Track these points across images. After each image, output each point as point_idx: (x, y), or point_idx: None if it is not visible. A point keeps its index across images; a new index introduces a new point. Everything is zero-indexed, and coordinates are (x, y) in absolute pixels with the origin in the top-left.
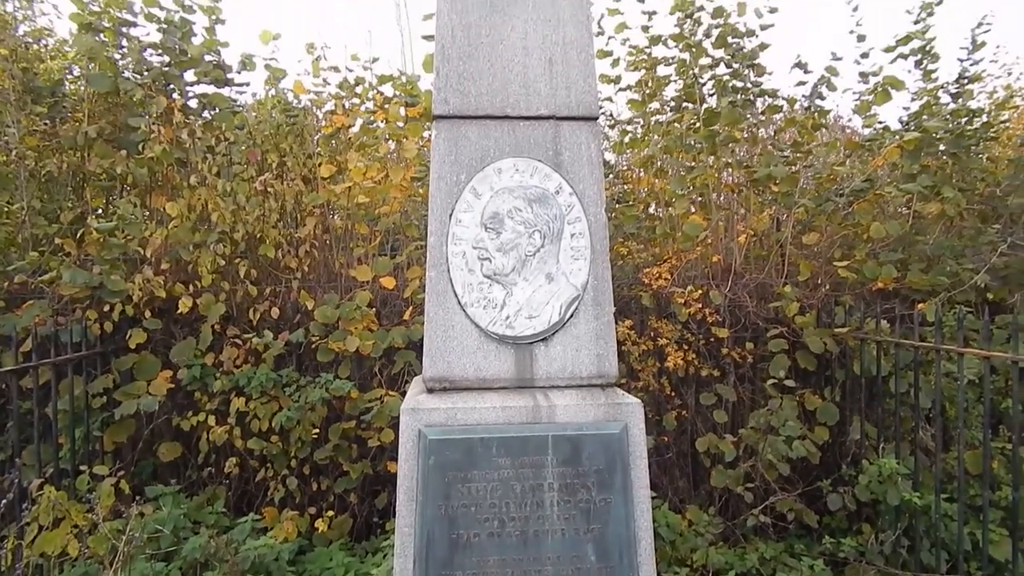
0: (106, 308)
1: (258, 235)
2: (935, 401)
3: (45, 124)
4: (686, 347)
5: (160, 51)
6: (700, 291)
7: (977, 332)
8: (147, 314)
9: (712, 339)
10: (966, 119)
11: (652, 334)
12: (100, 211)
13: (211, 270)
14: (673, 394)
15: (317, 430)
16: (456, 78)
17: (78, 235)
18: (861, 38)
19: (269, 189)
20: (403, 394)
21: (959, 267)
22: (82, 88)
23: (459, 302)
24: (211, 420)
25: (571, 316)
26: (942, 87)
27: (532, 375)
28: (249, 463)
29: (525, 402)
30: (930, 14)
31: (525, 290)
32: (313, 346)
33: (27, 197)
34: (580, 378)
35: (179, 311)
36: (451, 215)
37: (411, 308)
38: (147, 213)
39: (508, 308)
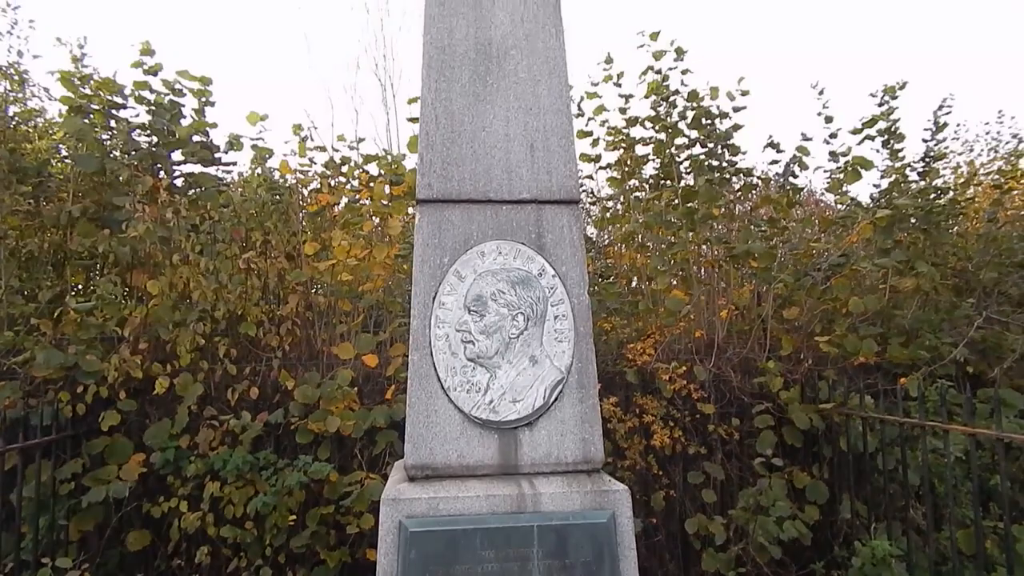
0: (79, 389)
1: (239, 312)
2: (923, 478)
3: (29, 203)
4: (672, 424)
5: (148, 132)
6: (684, 367)
7: (960, 407)
8: (122, 395)
9: (698, 415)
10: (934, 196)
11: (637, 411)
12: (79, 288)
13: (190, 349)
14: (660, 473)
15: (294, 516)
16: (440, 163)
17: (56, 314)
18: (829, 119)
19: (252, 266)
20: (384, 477)
21: (938, 341)
22: (69, 167)
23: (442, 386)
24: (183, 506)
25: (555, 400)
26: (909, 165)
27: (516, 461)
28: (221, 552)
29: (509, 490)
30: (893, 97)
31: (509, 373)
32: (292, 427)
33: (5, 276)
34: (565, 464)
35: (155, 392)
36: (434, 298)
37: (393, 387)
38: (127, 291)
39: (492, 392)
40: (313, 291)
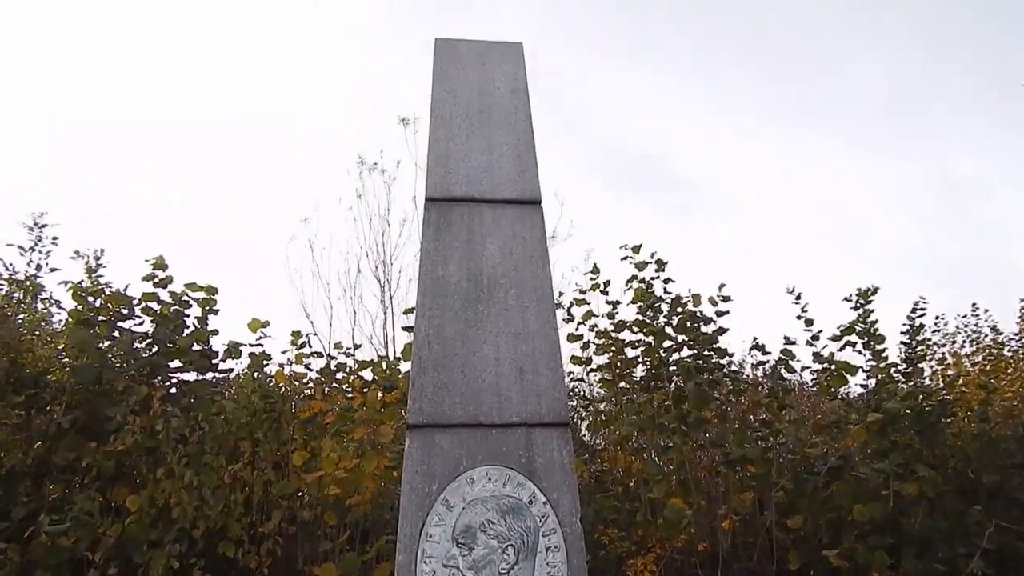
0: None
1: (219, 528)
2: None
3: (19, 415)
4: None
5: (150, 341)
6: None
7: None
8: None
9: None
10: (923, 398)
11: None
12: (55, 501)
13: (162, 573)
14: None
15: None
16: (431, 388)
17: (27, 533)
18: (809, 322)
19: (237, 479)
20: None
21: (951, 552)
22: (66, 376)
23: None
24: None
25: None
26: (893, 365)
27: None
28: None
29: None
30: (868, 301)
31: None
32: None
33: None
34: None
35: None
36: (422, 530)
37: None
38: (104, 504)
39: None
40: (298, 503)
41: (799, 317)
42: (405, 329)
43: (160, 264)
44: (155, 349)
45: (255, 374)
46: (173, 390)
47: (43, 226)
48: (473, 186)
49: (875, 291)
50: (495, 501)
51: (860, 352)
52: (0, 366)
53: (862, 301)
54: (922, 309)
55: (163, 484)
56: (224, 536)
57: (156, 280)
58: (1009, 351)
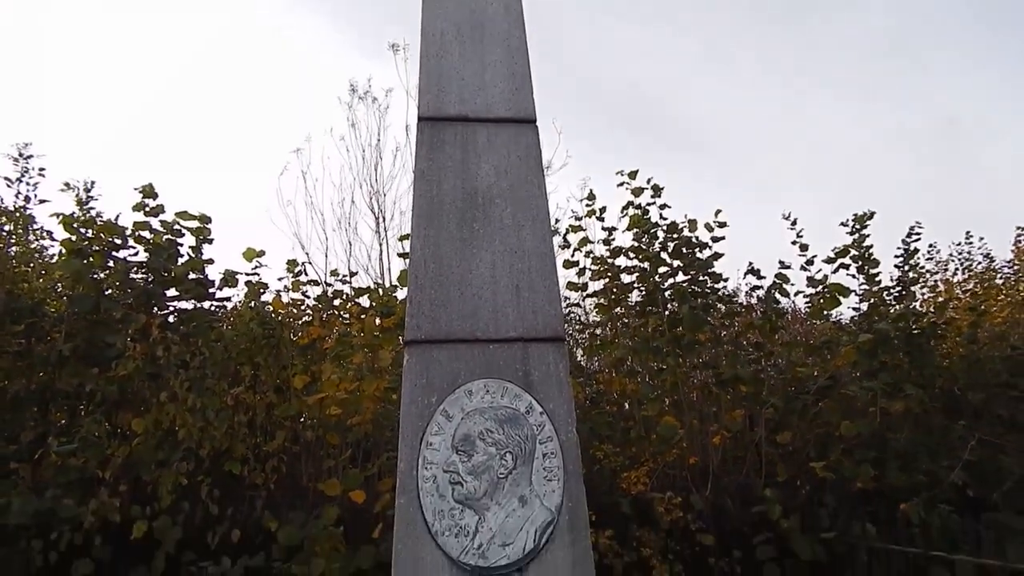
0: (54, 536)
1: (224, 448)
2: None
3: (20, 343)
4: (672, 557)
5: (145, 270)
6: (680, 497)
7: (967, 533)
8: (97, 540)
9: (698, 547)
10: (913, 320)
11: (635, 544)
12: (63, 425)
13: (171, 490)
14: None
15: None
16: (428, 305)
17: (36, 456)
18: (804, 247)
19: (240, 400)
20: None
21: (935, 465)
22: (63, 306)
23: (429, 531)
24: None
25: (546, 542)
26: (886, 289)
27: None
28: None
29: None
30: (864, 226)
31: (498, 515)
32: (274, 572)
33: None
34: None
35: (133, 537)
36: (422, 439)
37: (381, 525)
38: (111, 430)
39: (480, 536)
40: (301, 425)
41: (794, 242)
42: (401, 256)
43: (149, 192)
44: (151, 278)
45: (252, 303)
46: (171, 319)
47: (28, 157)
48: (466, 104)
49: (871, 215)
50: (493, 412)
51: (854, 276)
52: None
53: (858, 226)
54: (917, 234)
55: (167, 407)
56: (230, 456)
57: (147, 209)
58: (1001, 278)
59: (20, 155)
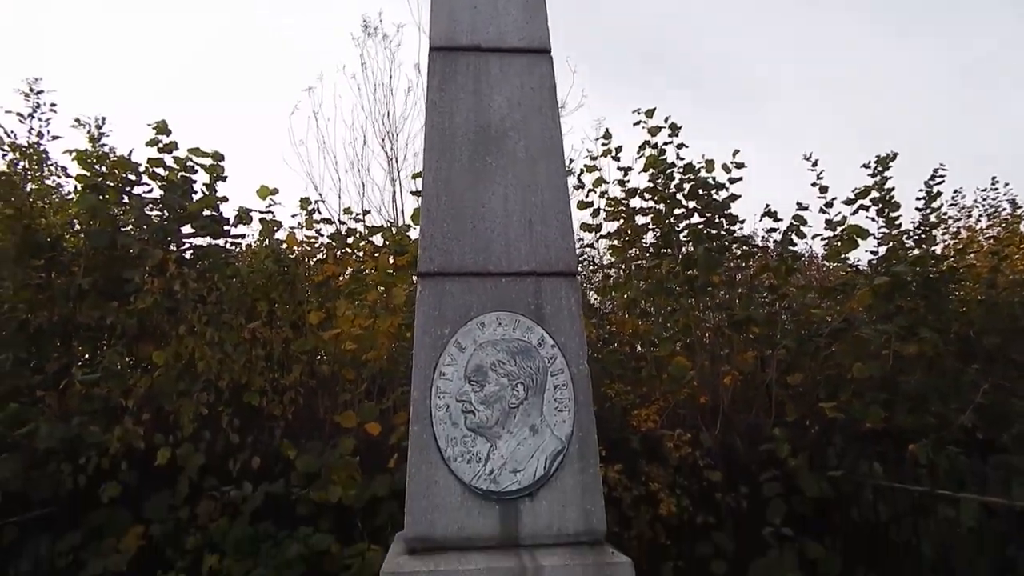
0: (81, 460)
1: (243, 381)
2: (937, 549)
3: (40, 277)
4: (679, 492)
5: (160, 207)
6: (690, 434)
7: (974, 473)
8: (123, 466)
9: (705, 483)
10: (932, 263)
11: (643, 478)
12: (86, 359)
13: (193, 419)
14: (668, 543)
15: None
16: (440, 238)
17: (61, 385)
18: (823, 189)
19: (257, 336)
20: (386, 548)
21: (945, 407)
22: (81, 242)
23: (442, 456)
24: None
25: (556, 469)
26: (906, 233)
27: (517, 533)
28: None
29: (510, 563)
30: (886, 167)
31: (509, 443)
32: (293, 497)
33: (13, 349)
34: (567, 535)
35: (156, 463)
36: (435, 368)
37: (396, 456)
38: (133, 362)
39: (492, 462)
40: (317, 360)
41: (814, 184)
42: (414, 194)
43: (163, 129)
44: (166, 215)
45: (266, 241)
46: (187, 255)
47: (39, 92)
48: (479, 34)
49: (894, 157)
50: (505, 344)
51: (873, 219)
52: (15, 231)
53: (880, 168)
54: (941, 177)
55: (186, 340)
56: (248, 388)
57: (160, 145)
58: None
59: (31, 90)
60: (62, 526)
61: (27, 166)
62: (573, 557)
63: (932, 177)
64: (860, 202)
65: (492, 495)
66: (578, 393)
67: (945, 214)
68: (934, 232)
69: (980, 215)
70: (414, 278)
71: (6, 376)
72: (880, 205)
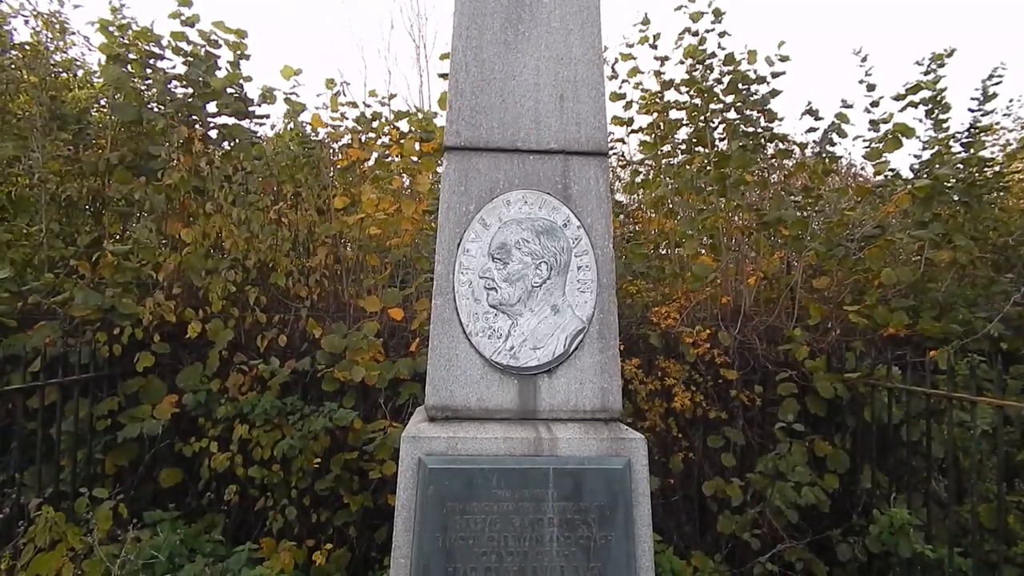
0: (116, 331)
1: (270, 263)
2: (948, 451)
3: (69, 150)
4: (694, 388)
5: (184, 83)
6: (708, 332)
7: (991, 382)
8: (156, 338)
9: (720, 380)
10: (977, 168)
11: (659, 373)
12: (116, 236)
13: (221, 296)
14: (680, 435)
15: (319, 460)
16: (468, 111)
17: (93, 258)
18: (871, 87)
19: (283, 219)
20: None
21: (972, 315)
22: (107, 116)
23: (464, 331)
24: (213, 447)
25: (576, 348)
26: (953, 136)
27: (535, 407)
28: (249, 491)
29: (527, 434)
30: (940, 65)
31: (530, 321)
32: (319, 375)
33: (46, 220)
34: (583, 411)
35: (188, 336)
36: (459, 244)
37: (418, 340)
38: (162, 239)
39: (513, 338)
40: (342, 244)
41: (861, 81)
42: (441, 76)
43: (185, 0)
44: (190, 91)
45: (291, 123)
46: (213, 134)
47: None
48: None
49: (951, 53)
50: (530, 222)
51: (920, 121)
52: (42, 102)
53: (935, 65)
54: (999, 77)
55: (213, 219)
56: (275, 269)
57: (183, 18)
58: None
59: None
60: (100, 391)
61: (51, 36)
62: (588, 431)
63: (990, 76)
64: (910, 98)
65: (512, 370)
66: (601, 275)
67: (998, 123)
68: (983, 137)
69: None
70: (439, 168)
71: (40, 247)
72: (930, 105)
